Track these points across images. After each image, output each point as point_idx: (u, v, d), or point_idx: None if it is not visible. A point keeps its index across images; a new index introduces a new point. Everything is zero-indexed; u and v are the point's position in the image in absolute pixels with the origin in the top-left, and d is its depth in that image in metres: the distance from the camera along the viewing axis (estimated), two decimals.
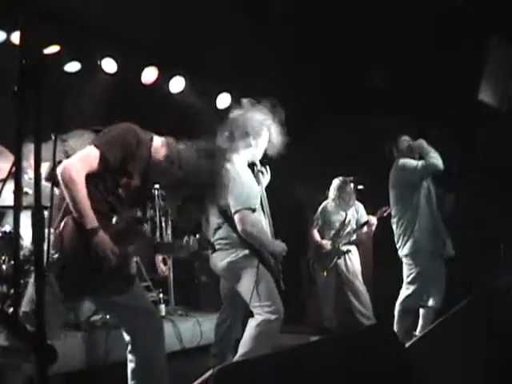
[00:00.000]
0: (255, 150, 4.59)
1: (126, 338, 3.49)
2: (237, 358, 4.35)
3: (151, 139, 3.46)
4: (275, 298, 4.42)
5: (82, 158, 3.14)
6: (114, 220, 3.30)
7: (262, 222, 4.54)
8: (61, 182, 3.07)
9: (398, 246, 5.99)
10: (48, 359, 1.68)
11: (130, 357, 3.47)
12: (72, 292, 3.19)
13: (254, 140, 4.53)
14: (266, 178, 4.84)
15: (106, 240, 3.19)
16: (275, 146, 4.57)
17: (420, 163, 5.77)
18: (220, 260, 4.49)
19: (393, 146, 6.10)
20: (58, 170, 3.09)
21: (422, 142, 5.85)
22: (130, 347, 3.47)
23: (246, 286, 4.38)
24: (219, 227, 4.52)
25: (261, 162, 4.75)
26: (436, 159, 5.70)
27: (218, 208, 4.43)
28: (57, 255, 2.99)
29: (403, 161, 5.90)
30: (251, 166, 4.71)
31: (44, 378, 1.67)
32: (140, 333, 3.45)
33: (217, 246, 4.50)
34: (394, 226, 6.03)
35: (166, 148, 3.44)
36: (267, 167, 4.85)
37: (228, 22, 6.39)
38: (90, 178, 3.13)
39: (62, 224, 3.07)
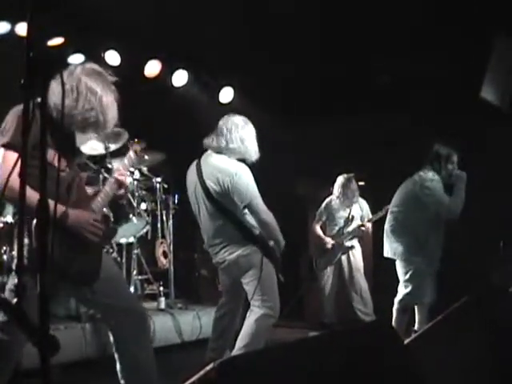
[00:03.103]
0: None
1: (111, 337, 3.43)
2: (235, 351, 4.40)
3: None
4: (275, 295, 4.51)
5: (2, 166, 3.00)
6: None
7: None
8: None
9: (389, 244, 6.01)
10: (50, 350, 1.69)
11: (116, 355, 3.42)
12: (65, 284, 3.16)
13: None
14: None
15: (81, 215, 3.16)
16: None
17: (443, 200, 5.65)
18: (230, 254, 4.52)
19: (439, 154, 5.83)
20: None
21: (464, 178, 5.72)
22: (114, 346, 3.42)
23: (251, 279, 4.44)
24: (222, 227, 4.54)
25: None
26: (458, 207, 5.62)
27: (219, 209, 4.49)
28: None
29: (435, 184, 5.72)
30: None
31: (46, 368, 1.68)
32: (122, 333, 3.38)
33: (224, 244, 4.54)
34: (390, 224, 6.03)
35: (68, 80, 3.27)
36: None
37: (231, 16, 6.39)
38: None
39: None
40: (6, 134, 3.08)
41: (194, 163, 4.72)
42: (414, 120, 7.50)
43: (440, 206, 5.66)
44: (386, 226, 6.09)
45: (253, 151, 4.60)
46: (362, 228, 7.21)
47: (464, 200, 5.65)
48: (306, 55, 7.23)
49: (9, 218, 5.24)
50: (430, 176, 5.77)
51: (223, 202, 4.46)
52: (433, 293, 5.88)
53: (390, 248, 5.97)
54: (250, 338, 4.36)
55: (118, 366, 3.42)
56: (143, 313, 3.57)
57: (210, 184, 4.48)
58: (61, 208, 3.00)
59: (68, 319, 5.35)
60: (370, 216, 7.31)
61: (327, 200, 7.44)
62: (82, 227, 3.15)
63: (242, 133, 4.53)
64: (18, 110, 3.16)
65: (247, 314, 4.51)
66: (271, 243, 4.52)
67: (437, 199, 5.68)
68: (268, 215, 4.46)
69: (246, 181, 4.41)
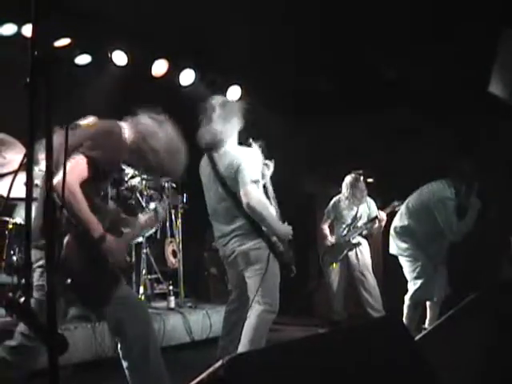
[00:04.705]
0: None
1: (115, 338, 3.47)
2: (241, 347, 4.42)
3: (120, 130, 3.40)
4: (275, 292, 4.54)
5: (72, 170, 3.03)
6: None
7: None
8: (59, 197, 2.89)
9: (395, 242, 6.07)
10: (59, 349, 1.70)
11: (121, 355, 3.41)
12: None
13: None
14: (270, 170, 4.86)
15: (116, 244, 3.23)
16: None
17: (451, 221, 5.68)
18: (240, 245, 4.53)
19: (463, 175, 5.83)
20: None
21: (479, 207, 5.73)
22: (119, 346, 3.42)
23: (255, 274, 4.47)
24: (235, 217, 4.54)
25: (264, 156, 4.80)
26: (462, 232, 5.70)
27: (233, 200, 4.50)
28: (68, 280, 3.01)
29: (451, 203, 5.74)
30: None
31: (54, 367, 1.68)
32: (127, 336, 3.36)
33: (235, 233, 4.55)
34: (399, 225, 6.03)
35: (131, 132, 3.42)
36: (271, 160, 4.88)
37: (238, 15, 6.39)
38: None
39: (64, 245, 3.04)
40: (96, 148, 3.15)
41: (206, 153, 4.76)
42: (422, 118, 7.48)
43: (446, 226, 5.71)
44: (393, 226, 6.10)
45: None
46: (377, 223, 7.14)
47: (470, 228, 5.71)
48: (315, 53, 7.23)
49: (18, 220, 5.26)
50: (448, 194, 5.78)
51: (236, 191, 4.48)
52: (443, 290, 5.88)
53: (396, 246, 6.00)
54: (252, 334, 4.39)
55: (124, 365, 3.40)
56: (148, 317, 3.56)
57: (222, 172, 4.53)
58: (101, 231, 3.14)
59: (78, 319, 5.35)
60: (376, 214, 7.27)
61: (335, 199, 7.41)
62: (113, 254, 3.23)
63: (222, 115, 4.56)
64: (111, 127, 3.34)
65: (248, 312, 4.52)
66: (274, 239, 4.52)
67: (446, 218, 5.71)
68: (259, 204, 4.39)
69: (244, 165, 4.41)
